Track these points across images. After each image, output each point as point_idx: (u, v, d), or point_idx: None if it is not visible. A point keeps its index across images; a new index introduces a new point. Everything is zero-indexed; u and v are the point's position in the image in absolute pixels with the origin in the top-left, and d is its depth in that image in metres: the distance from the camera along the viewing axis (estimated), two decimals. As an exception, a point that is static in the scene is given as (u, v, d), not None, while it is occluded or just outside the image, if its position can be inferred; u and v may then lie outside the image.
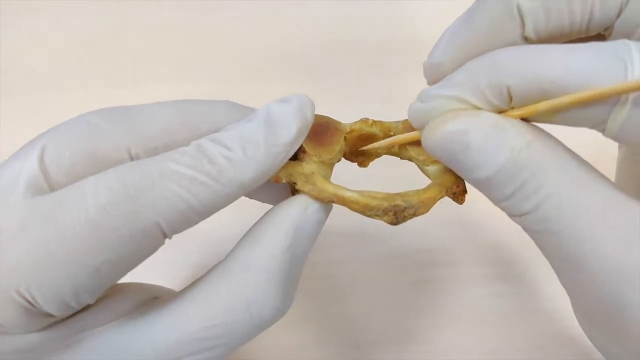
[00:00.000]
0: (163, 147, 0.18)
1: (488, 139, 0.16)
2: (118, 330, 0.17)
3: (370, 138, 0.21)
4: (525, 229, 0.17)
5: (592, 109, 0.15)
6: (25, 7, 0.41)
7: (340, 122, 0.20)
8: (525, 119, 0.17)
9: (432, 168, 0.20)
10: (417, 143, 0.19)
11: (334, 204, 0.19)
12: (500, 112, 0.16)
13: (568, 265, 0.16)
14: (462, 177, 0.17)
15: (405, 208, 0.18)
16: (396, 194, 0.18)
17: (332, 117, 0.21)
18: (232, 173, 0.16)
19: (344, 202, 0.18)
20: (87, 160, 0.17)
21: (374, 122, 0.21)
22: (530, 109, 0.16)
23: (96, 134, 0.17)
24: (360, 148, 0.21)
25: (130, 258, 0.16)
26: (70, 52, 0.40)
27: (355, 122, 0.21)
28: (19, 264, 0.15)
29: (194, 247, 0.31)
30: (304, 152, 0.19)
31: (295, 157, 0.19)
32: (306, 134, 0.18)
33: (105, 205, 0.15)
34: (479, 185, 0.17)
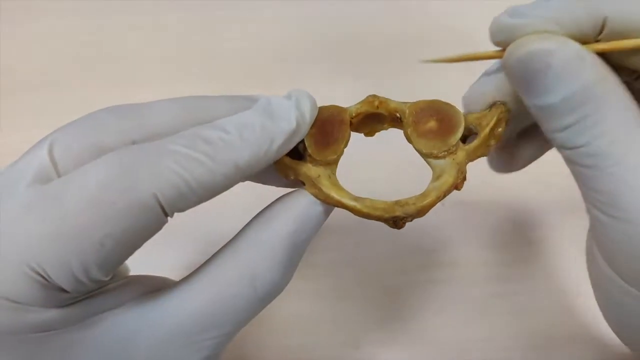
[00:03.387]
0: None
1: (569, 65, 0.16)
2: (131, 311, 0.18)
3: (377, 116, 0.21)
4: (572, 161, 0.17)
5: None
6: (25, 7, 0.41)
7: (345, 110, 0.20)
8: (601, 56, 0.17)
9: (436, 162, 0.20)
10: (425, 136, 0.20)
11: None
12: (584, 43, 0.17)
13: (605, 199, 0.17)
14: (526, 101, 0.18)
15: (404, 217, 0.19)
16: (395, 203, 0.19)
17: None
18: (227, 153, 0.17)
19: (346, 209, 0.19)
20: (94, 151, 0.17)
21: (380, 102, 0.21)
22: (617, 44, 0.16)
23: (103, 127, 0.18)
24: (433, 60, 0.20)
25: (132, 233, 0.16)
26: (71, 52, 0.40)
27: (362, 105, 0.21)
28: (28, 240, 0.16)
29: (195, 247, 0.31)
30: (310, 156, 0.19)
31: (301, 156, 0.20)
32: (306, 130, 0.19)
33: (104, 181, 0.16)
34: (540, 112, 0.17)
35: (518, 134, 0.23)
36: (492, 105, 0.20)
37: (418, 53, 0.39)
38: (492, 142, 0.20)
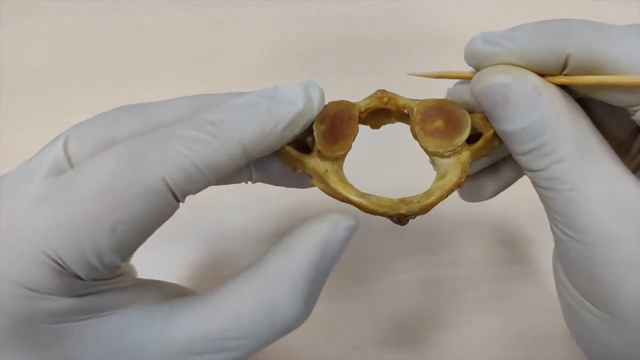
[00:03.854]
0: None
1: (525, 99, 0.17)
2: (143, 316, 0.18)
3: (384, 111, 0.21)
4: (534, 183, 0.19)
5: (633, 94, 0.17)
6: (26, 7, 0.41)
7: (354, 106, 0.21)
8: (565, 87, 0.18)
9: (441, 161, 0.20)
10: (432, 135, 0.20)
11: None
12: (547, 75, 0.18)
13: (564, 221, 0.18)
14: (493, 125, 0.19)
15: (408, 215, 0.19)
16: (400, 201, 0.19)
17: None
18: (231, 132, 0.17)
19: (353, 204, 0.19)
20: (107, 145, 0.18)
21: (389, 99, 0.21)
22: (579, 79, 0.18)
23: (115, 123, 0.19)
24: (409, 73, 0.21)
25: (144, 218, 0.17)
26: (71, 53, 0.40)
27: (371, 100, 0.21)
28: (43, 228, 0.16)
29: (193, 247, 0.31)
30: (318, 150, 0.20)
31: (310, 150, 0.20)
32: (313, 116, 0.19)
33: (114, 168, 0.17)
34: (505, 136, 0.19)
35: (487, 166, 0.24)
36: None
37: (418, 53, 0.39)
38: (496, 142, 0.20)
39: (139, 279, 0.20)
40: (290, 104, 0.18)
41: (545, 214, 0.19)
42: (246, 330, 0.18)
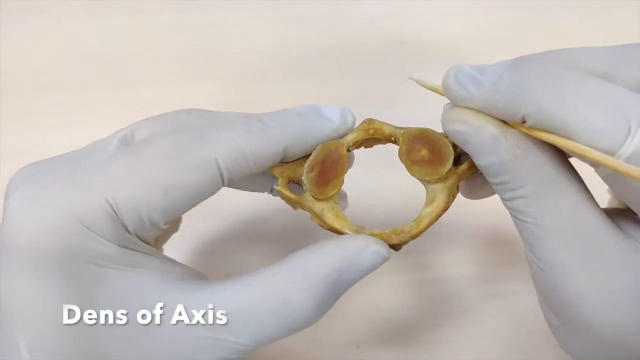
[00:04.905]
0: None
1: (484, 145, 0.19)
2: (168, 282, 0.20)
3: (373, 139, 0.22)
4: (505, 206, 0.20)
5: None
6: (26, 8, 0.41)
7: (341, 144, 0.21)
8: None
9: (429, 186, 0.21)
10: (417, 164, 0.21)
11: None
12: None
13: (528, 245, 0.20)
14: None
15: (401, 244, 0.21)
16: (392, 232, 0.21)
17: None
18: (277, 130, 0.20)
19: None
20: None
21: (375, 130, 0.22)
22: (537, 134, 0.18)
23: (178, 121, 0.21)
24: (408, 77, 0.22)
25: (193, 189, 0.19)
26: (72, 53, 0.40)
27: (358, 133, 0.22)
28: (109, 178, 0.19)
29: (191, 247, 0.31)
30: (312, 195, 0.21)
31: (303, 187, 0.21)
32: (347, 132, 0.22)
33: (175, 141, 0.20)
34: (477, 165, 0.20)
35: None
36: None
37: (418, 55, 0.39)
38: None
39: (165, 254, 0.22)
40: (328, 120, 0.21)
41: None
42: (259, 315, 0.19)
